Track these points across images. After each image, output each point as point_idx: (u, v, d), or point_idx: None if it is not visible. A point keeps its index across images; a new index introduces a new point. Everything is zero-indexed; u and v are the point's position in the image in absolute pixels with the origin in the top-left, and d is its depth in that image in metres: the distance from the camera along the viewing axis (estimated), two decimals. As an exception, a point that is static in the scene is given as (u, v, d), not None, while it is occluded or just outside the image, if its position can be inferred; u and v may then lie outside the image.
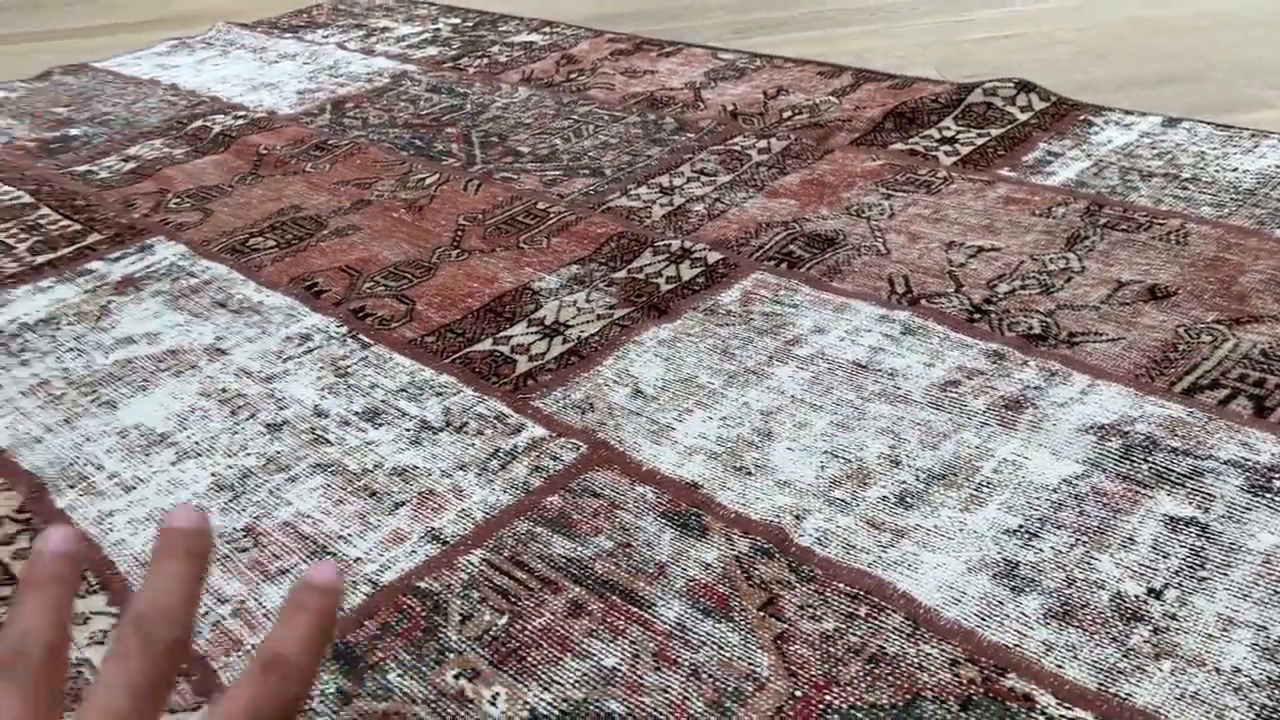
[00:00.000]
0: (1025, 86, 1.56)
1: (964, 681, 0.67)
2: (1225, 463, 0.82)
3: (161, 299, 1.25)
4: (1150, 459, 0.83)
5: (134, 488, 0.93)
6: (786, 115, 1.61)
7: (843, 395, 0.95)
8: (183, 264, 1.33)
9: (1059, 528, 0.78)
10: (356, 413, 1.00)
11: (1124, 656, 0.67)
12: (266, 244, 1.37)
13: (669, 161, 1.49)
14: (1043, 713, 0.64)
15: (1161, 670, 0.66)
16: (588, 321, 1.11)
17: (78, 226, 1.47)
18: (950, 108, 1.55)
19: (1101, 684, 0.66)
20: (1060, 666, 0.67)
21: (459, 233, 1.35)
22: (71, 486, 0.93)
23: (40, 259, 1.38)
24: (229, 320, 1.19)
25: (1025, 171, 1.35)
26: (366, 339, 1.12)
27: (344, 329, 1.15)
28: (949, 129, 1.49)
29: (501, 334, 1.11)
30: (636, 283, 1.18)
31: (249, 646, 0.74)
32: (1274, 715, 0.62)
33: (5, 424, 1.03)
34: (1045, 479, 0.83)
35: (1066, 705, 0.64)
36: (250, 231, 1.41)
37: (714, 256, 1.21)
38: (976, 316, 1.05)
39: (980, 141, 1.44)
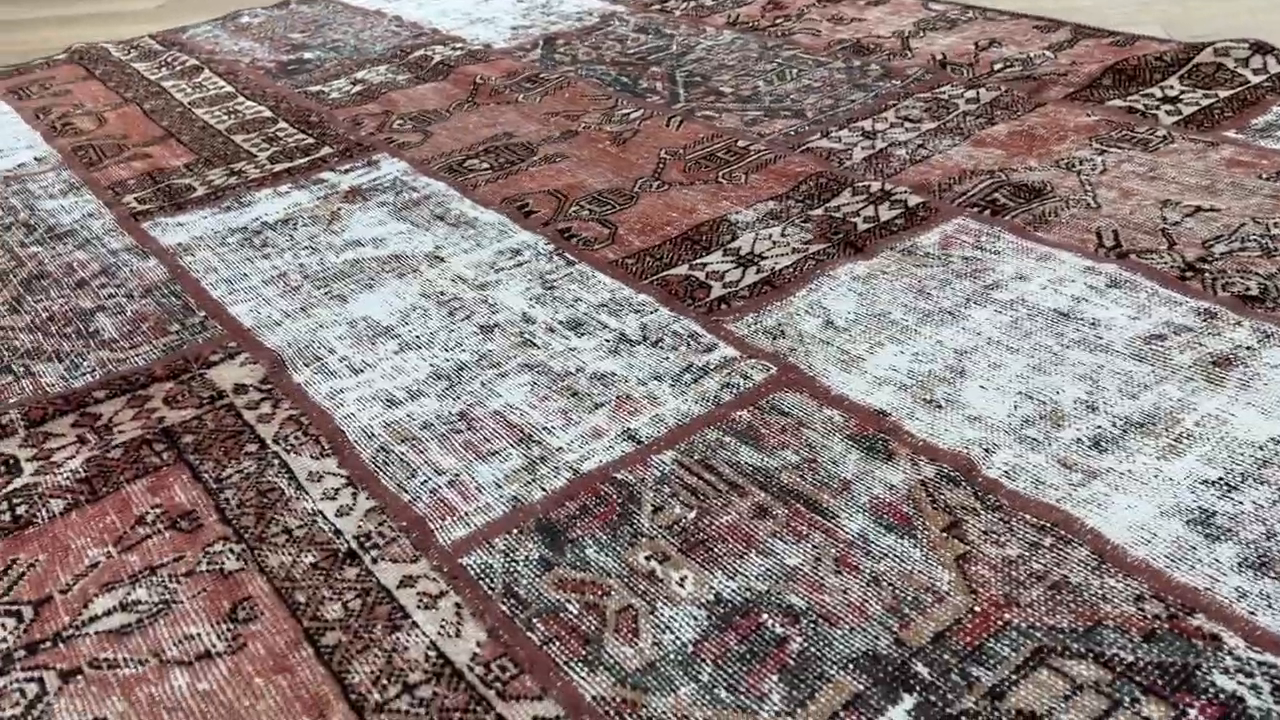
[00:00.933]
0: (1261, 48, 1.47)
1: (1148, 616, 0.67)
2: None
3: (386, 209, 1.34)
4: (1370, 427, 0.80)
5: (362, 371, 1.02)
6: (998, 67, 1.58)
7: (1041, 340, 0.95)
8: (405, 179, 1.42)
9: (1262, 483, 0.76)
10: (561, 321, 1.06)
11: (1323, 612, 0.66)
12: (481, 166, 1.45)
13: (872, 107, 1.49)
14: (1230, 653, 0.64)
15: (1363, 629, 0.65)
16: (782, 254, 1.14)
17: (311, 140, 1.59)
18: (1176, 66, 1.48)
19: (1296, 635, 0.65)
20: (1253, 613, 0.66)
21: (660, 165, 1.39)
22: (307, 365, 1.03)
23: (278, 167, 1.50)
24: (446, 232, 1.27)
25: (1254, 134, 1.28)
26: (571, 257, 1.18)
27: (551, 247, 1.21)
28: (1172, 88, 1.43)
29: (698, 261, 1.15)
30: (833, 221, 1.19)
31: (462, 513, 0.82)
32: None
33: (249, 308, 1.14)
34: (1252, 436, 0.81)
35: (1257, 649, 0.64)
36: (466, 154, 1.49)
37: (915, 200, 1.21)
38: (1189, 274, 1.02)
39: (1206, 102, 1.38)
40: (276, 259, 1.25)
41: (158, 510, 0.85)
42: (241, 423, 0.95)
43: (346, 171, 1.47)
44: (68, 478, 0.89)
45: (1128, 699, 0.62)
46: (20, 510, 0.86)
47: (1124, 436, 0.83)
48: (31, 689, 0.70)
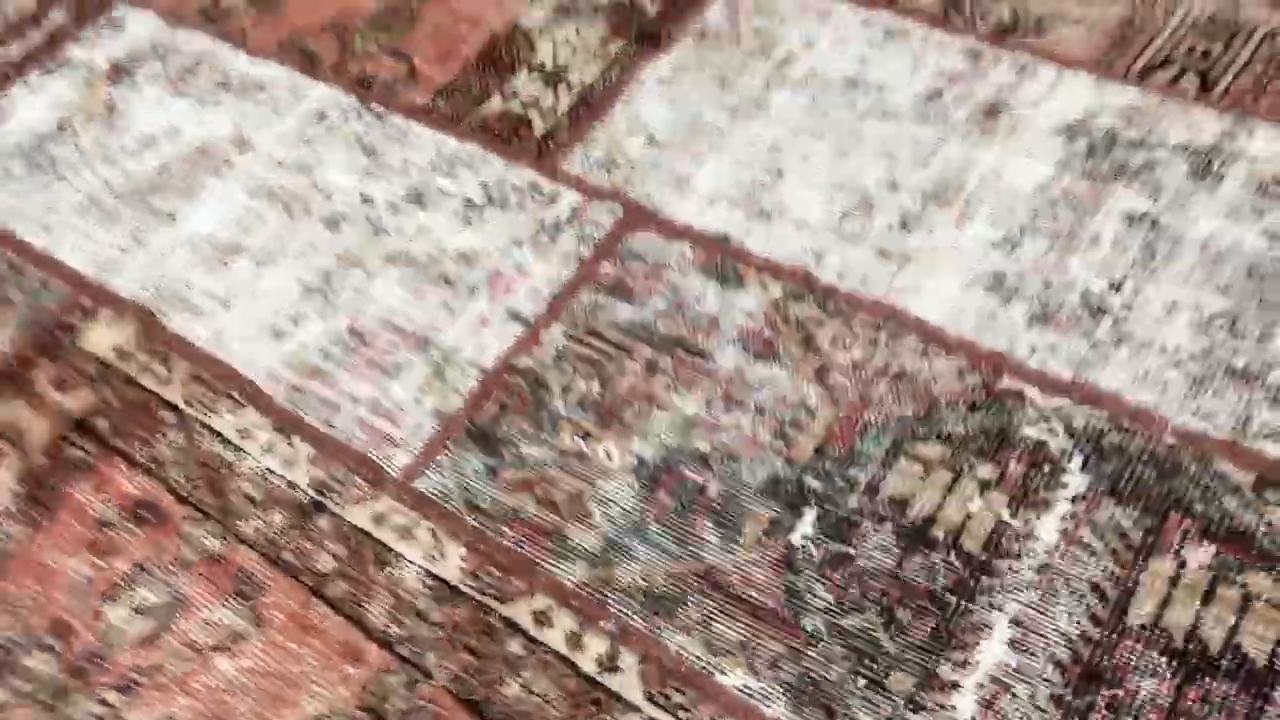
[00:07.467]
0: None
1: (969, 388, 0.86)
2: (1174, 148, 0.96)
3: (160, 84, 1.27)
4: (1111, 154, 0.97)
5: (229, 302, 1.05)
6: None
7: (839, 117, 1.06)
8: (162, 39, 1.33)
9: (1036, 234, 0.93)
10: (401, 196, 1.10)
11: (1092, 348, 0.86)
12: (236, 2, 1.36)
13: None
14: (1031, 404, 0.84)
15: (1120, 356, 0.85)
16: (586, 62, 1.17)
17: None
18: None
19: (1075, 373, 0.85)
20: (1043, 364, 0.86)
21: (427, -38, 1.34)
22: (173, 309, 1.05)
23: (13, 49, 1.37)
24: (236, 103, 1.23)
25: None
26: (378, 109, 1.18)
27: (354, 100, 1.20)
28: None
29: (507, 87, 1.17)
30: (621, 8, 1.21)
31: (398, 439, 0.92)
32: (1204, 381, 0.82)
33: (79, 251, 1.12)
34: (1021, 186, 0.97)
35: (1048, 395, 0.84)
36: (214, -12, 1.39)
37: (692, -33, 1.23)
38: (950, 10, 1.12)
39: None
40: (75, 180, 1.20)
41: (112, 506, 0.92)
42: (145, 391, 0.99)
43: (92, 42, 1.35)
44: (13, 500, 0.94)
45: (965, 466, 0.82)
46: (-18, 547, 0.91)
47: (924, 212, 0.97)
48: (98, 709, 0.81)
